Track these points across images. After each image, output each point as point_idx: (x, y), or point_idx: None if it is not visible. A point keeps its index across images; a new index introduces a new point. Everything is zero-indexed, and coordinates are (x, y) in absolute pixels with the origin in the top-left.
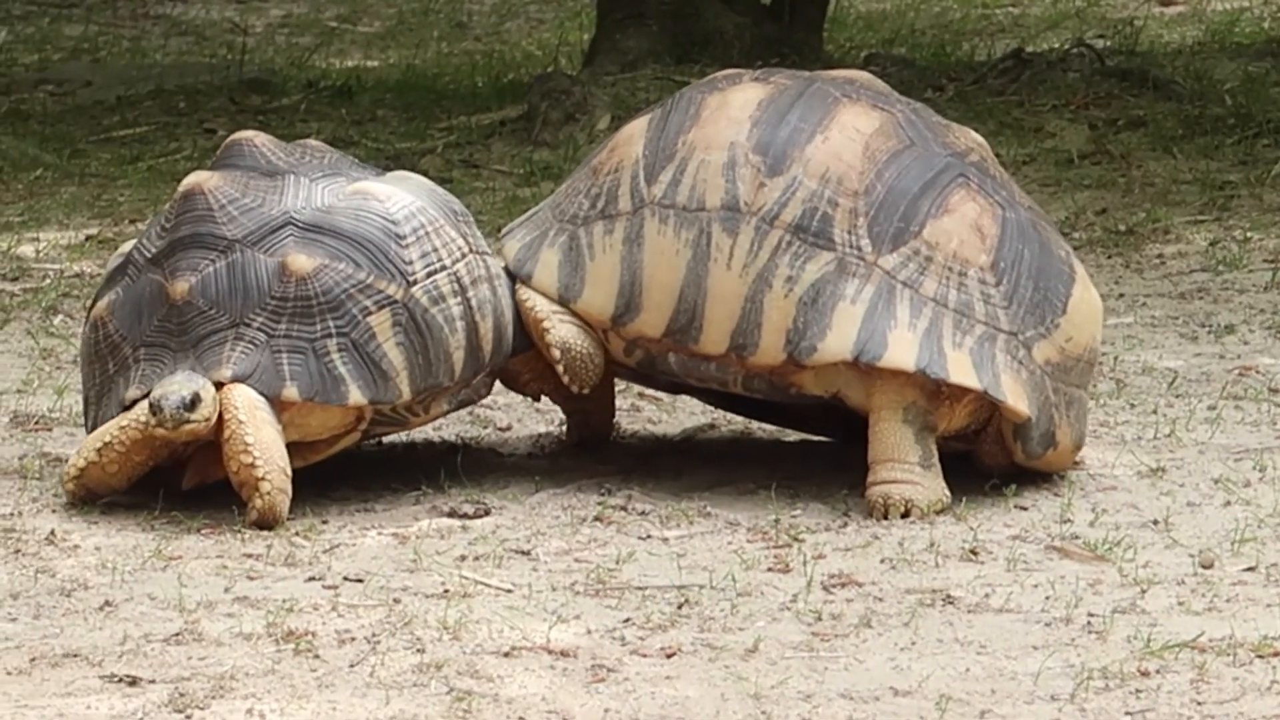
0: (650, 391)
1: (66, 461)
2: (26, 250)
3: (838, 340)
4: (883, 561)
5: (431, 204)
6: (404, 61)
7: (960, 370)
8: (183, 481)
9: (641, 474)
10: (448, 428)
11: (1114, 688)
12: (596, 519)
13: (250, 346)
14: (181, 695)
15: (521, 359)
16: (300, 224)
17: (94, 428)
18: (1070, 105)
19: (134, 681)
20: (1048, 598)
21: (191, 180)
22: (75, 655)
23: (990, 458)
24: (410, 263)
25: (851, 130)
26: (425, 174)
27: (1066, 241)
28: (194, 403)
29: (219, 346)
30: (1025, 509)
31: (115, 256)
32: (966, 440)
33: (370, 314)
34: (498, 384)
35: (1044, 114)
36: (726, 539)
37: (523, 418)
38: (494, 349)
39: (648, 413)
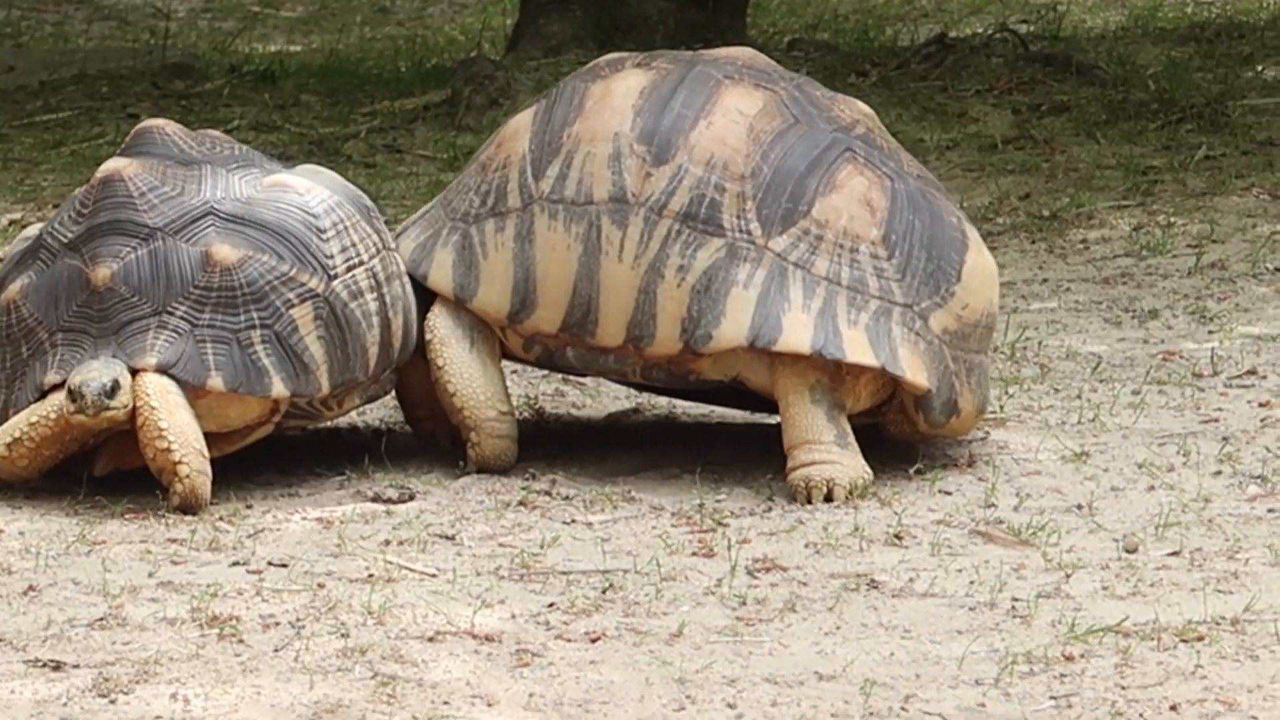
0: (574, 377)
1: None
2: None
3: (733, 327)
4: (807, 546)
5: (346, 199)
6: (327, 46)
7: (857, 349)
8: (95, 468)
9: (566, 459)
10: (372, 412)
11: (1038, 672)
12: (521, 504)
13: (174, 335)
14: (105, 680)
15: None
16: (222, 214)
17: (2, 411)
18: (994, 90)
19: (58, 666)
20: (972, 582)
21: (110, 167)
22: None
23: (896, 428)
24: (331, 256)
25: (735, 113)
26: (349, 158)
27: (960, 211)
28: (114, 389)
29: (142, 334)
30: (949, 494)
31: (19, 240)
32: (871, 415)
33: (293, 306)
34: None
35: (968, 99)
36: (651, 524)
37: None
38: (402, 345)
39: (571, 397)
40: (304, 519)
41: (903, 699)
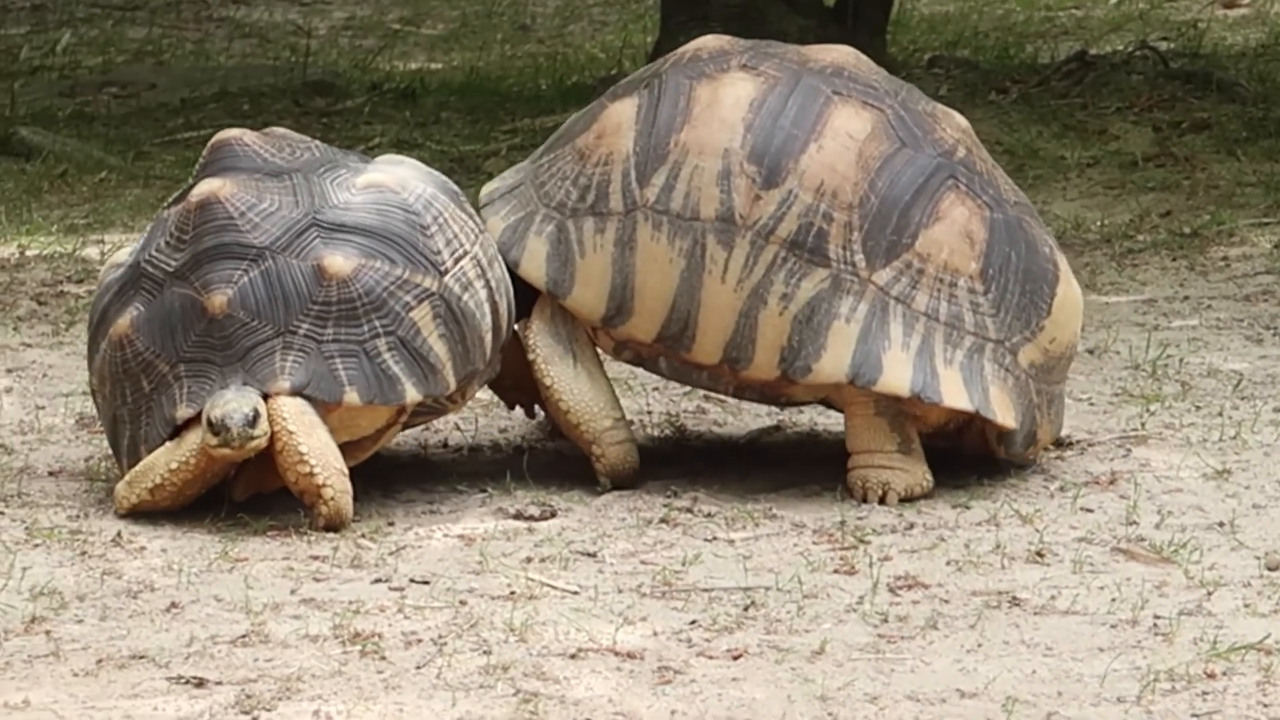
0: (715, 394)
1: (116, 491)
2: (92, 253)
3: (833, 362)
4: (949, 563)
5: (438, 189)
6: (468, 64)
7: (952, 392)
8: (235, 493)
9: (707, 476)
10: (514, 430)
11: (1180, 690)
12: (663, 521)
13: (301, 355)
14: (248, 697)
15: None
16: (325, 224)
17: (131, 446)
18: (1134, 108)
19: (200, 683)
20: (1113, 600)
21: (205, 189)
22: (142, 657)
23: (973, 450)
24: (438, 252)
25: (845, 137)
26: (489, 176)
27: (1052, 240)
28: (255, 418)
29: (269, 358)
30: (1091, 511)
31: (109, 268)
32: (947, 438)
33: (412, 309)
34: None
35: (1108, 116)
36: (792, 541)
37: None
38: (508, 323)
39: (713, 415)
40: (446, 536)
41: (1044, 717)
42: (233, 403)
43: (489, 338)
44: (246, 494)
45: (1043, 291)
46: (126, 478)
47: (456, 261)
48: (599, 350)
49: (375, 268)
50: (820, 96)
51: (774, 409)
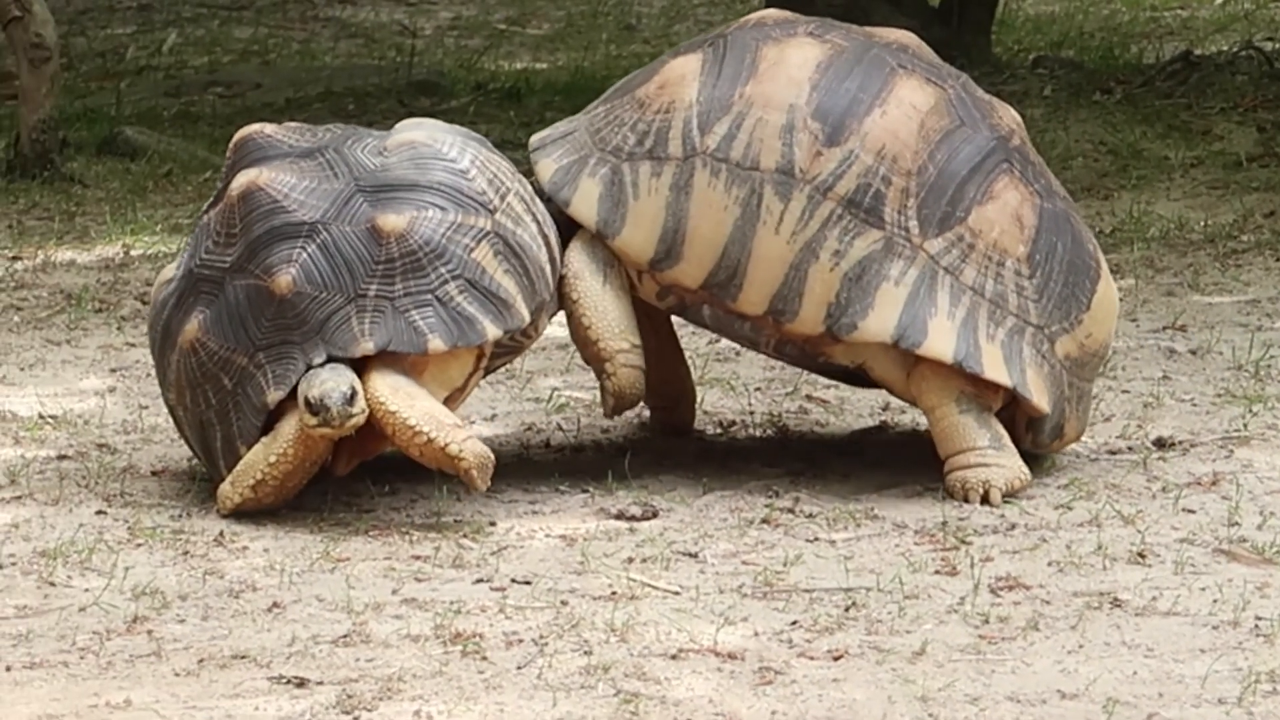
0: (818, 394)
1: (219, 492)
2: None
3: (878, 321)
4: (1050, 564)
5: (466, 137)
6: (573, 64)
7: (993, 365)
8: (337, 469)
9: (809, 476)
10: (615, 430)
11: None
12: (764, 521)
13: (377, 315)
14: (349, 697)
15: None
16: (368, 188)
17: (226, 445)
18: (1239, 108)
19: (302, 683)
20: (1215, 601)
21: (245, 180)
22: (243, 656)
23: None
24: (483, 192)
25: (908, 106)
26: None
27: (1094, 239)
28: (353, 395)
29: (345, 324)
30: (1193, 512)
31: (161, 286)
32: None
33: (472, 250)
34: None
35: (1212, 117)
36: (894, 541)
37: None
38: (560, 256)
39: (815, 415)
40: (547, 536)
41: (1145, 718)
42: (329, 381)
43: (548, 267)
44: (349, 468)
45: (1084, 286)
46: (229, 478)
47: (503, 199)
48: (640, 297)
49: (428, 217)
50: (885, 67)
51: (876, 409)
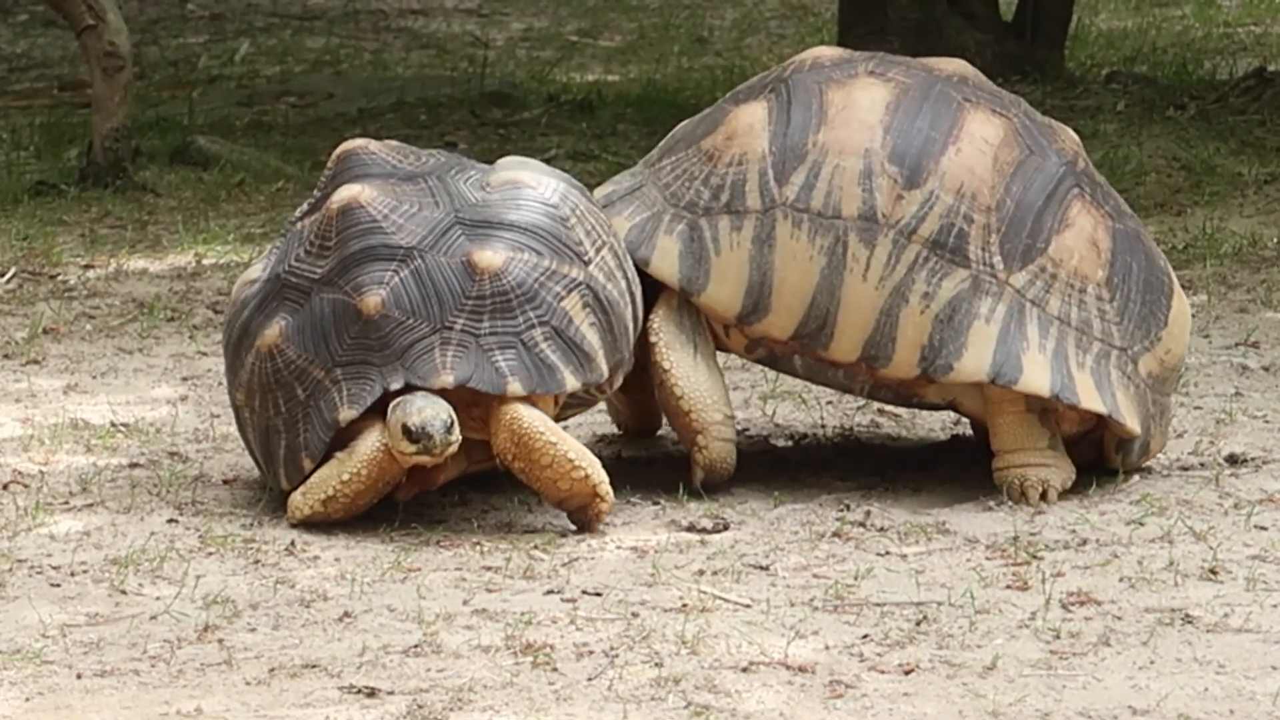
0: (889, 408)
1: (290, 501)
2: None
3: (974, 361)
4: (1121, 580)
5: (568, 185)
6: (645, 76)
7: (1087, 394)
8: (399, 494)
9: (880, 490)
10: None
11: None
12: (835, 535)
13: (461, 349)
14: (420, 707)
15: None
16: (468, 222)
17: (289, 454)
18: None
19: (372, 693)
20: None
21: (347, 195)
22: (314, 666)
23: (1080, 458)
24: (580, 243)
25: (981, 141)
26: None
27: (1163, 255)
28: (452, 424)
29: (429, 354)
30: (1265, 529)
31: (242, 285)
32: (1068, 444)
33: (562, 299)
34: None
35: None
36: (965, 556)
37: (762, 431)
38: (642, 315)
39: (887, 429)
40: (618, 548)
41: None
42: (428, 410)
43: (632, 325)
44: (410, 495)
45: (1160, 303)
46: (301, 489)
47: (598, 251)
48: (728, 350)
49: (524, 260)
50: (952, 102)
51: (948, 424)
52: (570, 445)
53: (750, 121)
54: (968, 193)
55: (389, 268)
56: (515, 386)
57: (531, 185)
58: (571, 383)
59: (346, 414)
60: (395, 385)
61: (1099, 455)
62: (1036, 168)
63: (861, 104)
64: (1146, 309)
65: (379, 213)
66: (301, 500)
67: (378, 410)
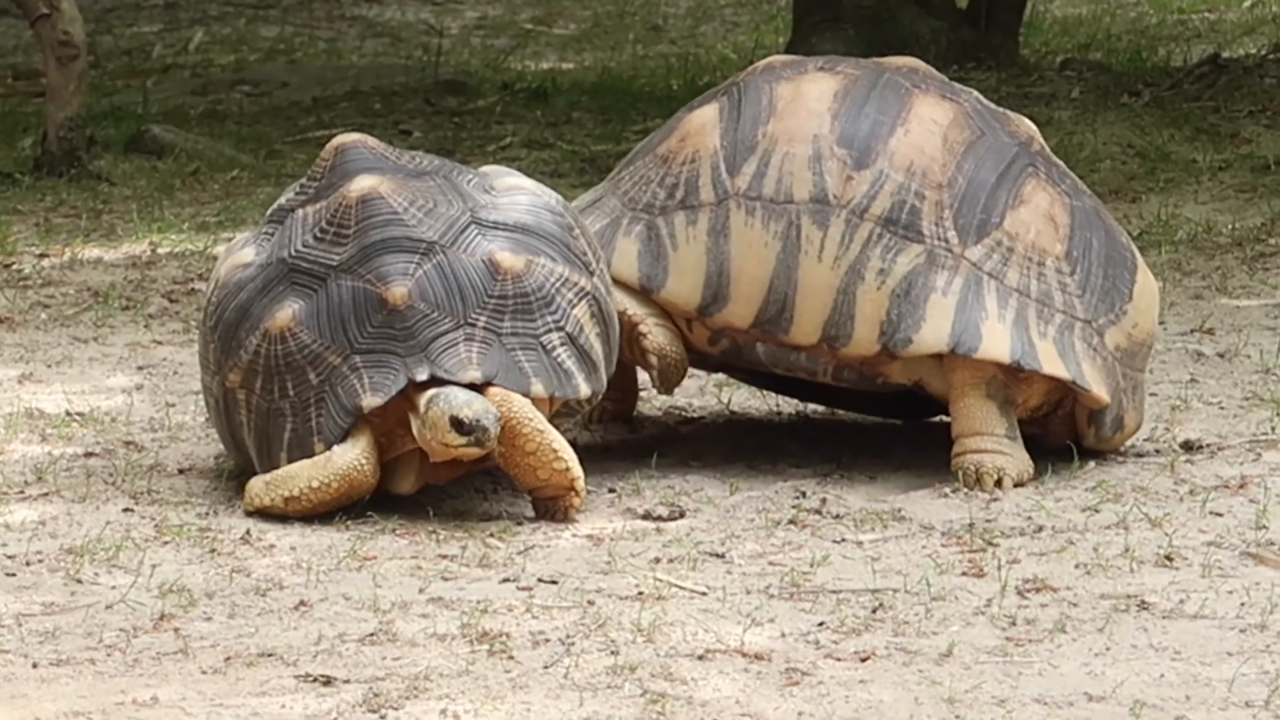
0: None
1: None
2: (223, 251)
3: (933, 332)
4: (1077, 566)
5: (561, 199)
6: (599, 64)
7: (1050, 361)
8: (402, 487)
9: (836, 477)
10: (644, 429)
11: None
12: (791, 522)
13: (485, 346)
14: (376, 695)
15: None
16: (484, 223)
17: (295, 438)
18: (1267, 111)
19: (328, 681)
20: (1243, 604)
21: (367, 185)
22: (270, 655)
23: (1057, 438)
24: (585, 253)
25: (930, 123)
26: None
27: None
28: (498, 418)
29: (453, 348)
30: (1220, 515)
31: (235, 269)
32: (1038, 424)
33: (574, 306)
34: None
35: (1240, 120)
36: (921, 543)
37: (718, 418)
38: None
39: (843, 416)
40: (574, 536)
41: None
42: (477, 403)
43: (619, 339)
44: (418, 487)
45: (1124, 277)
46: (265, 478)
47: (599, 263)
48: (694, 347)
49: (542, 264)
50: (900, 89)
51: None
52: (555, 437)
53: (702, 122)
54: (918, 170)
55: (413, 260)
56: (538, 388)
57: (536, 193)
58: (584, 389)
59: (370, 400)
60: (421, 377)
61: (1074, 434)
62: (989, 147)
63: (810, 95)
64: (1109, 283)
65: (400, 205)
66: (263, 490)
67: (361, 419)
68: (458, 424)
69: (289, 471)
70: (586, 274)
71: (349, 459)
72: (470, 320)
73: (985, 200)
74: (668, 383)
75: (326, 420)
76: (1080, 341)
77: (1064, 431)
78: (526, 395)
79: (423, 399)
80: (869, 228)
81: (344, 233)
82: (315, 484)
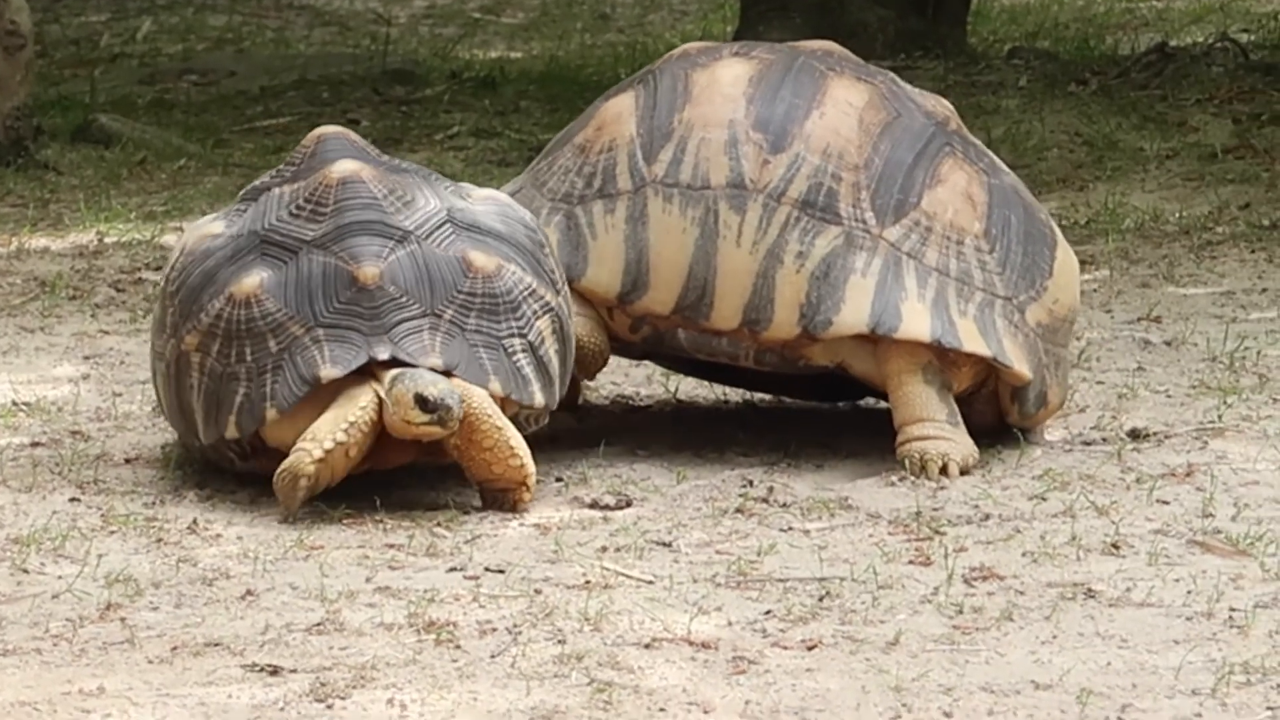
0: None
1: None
2: (170, 240)
3: (852, 313)
4: (1024, 555)
5: (532, 216)
6: (547, 53)
7: (970, 338)
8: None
9: (783, 465)
10: (590, 419)
11: (1255, 682)
12: (738, 511)
13: (449, 337)
14: (323, 685)
15: None
16: (459, 223)
17: (246, 402)
18: (1214, 100)
19: (275, 671)
20: (1189, 592)
21: (349, 168)
22: (217, 644)
23: (981, 417)
24: (553, 271)
25: (845, 105)
26: None
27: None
28: (461, 400)
29: (418, 334)
30: (1167, 503)
31: (203, 239)
32: (963, 403)
33: (539, 318)
34: None
35: (1187, 108)
36: (868, 531)
37: (664, 406)
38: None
39: (790, 404)
40: (521, 525)
41: (1119, 708)
42: (442, 383)
43: (572, 363)
44: (360, 469)
45: (1044, 254)
46: (296, 446)
47: (564, 283)
48: (616, 336)
49: (513, 271)
50: (815, 72)
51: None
52: (513, 433)
53: (618, 110)
54: (834, 152)
55: (387, 245)
56: (496, 385)
57: (511, 205)
58: (539, 399)
59: (329, 372)
60: (382, 355)
61: (998, 414)
62: (905, 127)
63: (724, 80)
64: (1029, 259)
65: (379, 192)
66: (303, 456)
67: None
68: (422, 401)
69: (315, 426)
70: (553, 291)
71: (366, 397)
72: (437, 311)
73: (902, 180)
74: (587, 371)
75: (282, 387)
76: (1001, 319)
77: (988, 411)
78: (484, 390)
79: (388, 376)
80: (786, 211)
81: (321, 210)
82: (317, 454)
